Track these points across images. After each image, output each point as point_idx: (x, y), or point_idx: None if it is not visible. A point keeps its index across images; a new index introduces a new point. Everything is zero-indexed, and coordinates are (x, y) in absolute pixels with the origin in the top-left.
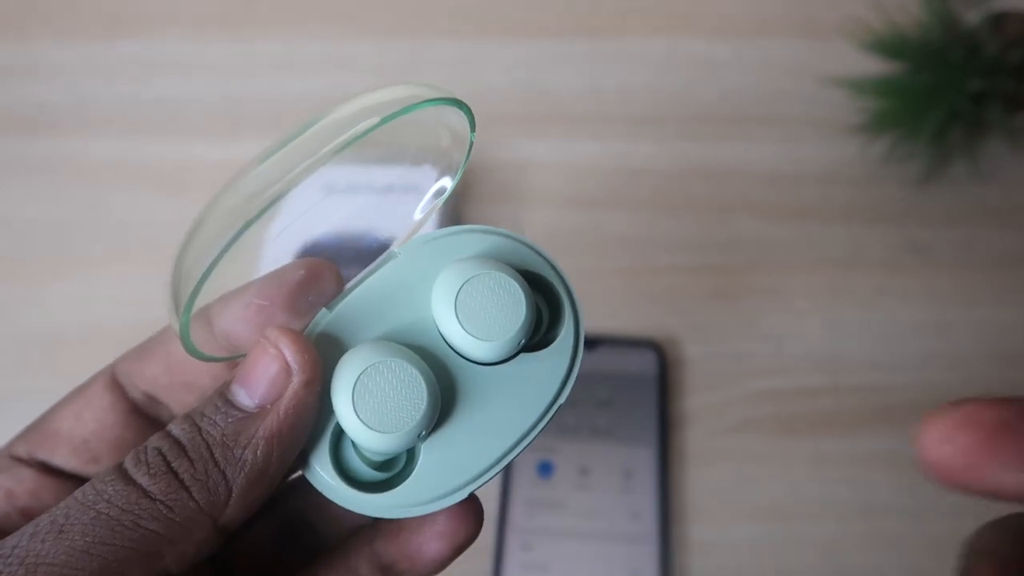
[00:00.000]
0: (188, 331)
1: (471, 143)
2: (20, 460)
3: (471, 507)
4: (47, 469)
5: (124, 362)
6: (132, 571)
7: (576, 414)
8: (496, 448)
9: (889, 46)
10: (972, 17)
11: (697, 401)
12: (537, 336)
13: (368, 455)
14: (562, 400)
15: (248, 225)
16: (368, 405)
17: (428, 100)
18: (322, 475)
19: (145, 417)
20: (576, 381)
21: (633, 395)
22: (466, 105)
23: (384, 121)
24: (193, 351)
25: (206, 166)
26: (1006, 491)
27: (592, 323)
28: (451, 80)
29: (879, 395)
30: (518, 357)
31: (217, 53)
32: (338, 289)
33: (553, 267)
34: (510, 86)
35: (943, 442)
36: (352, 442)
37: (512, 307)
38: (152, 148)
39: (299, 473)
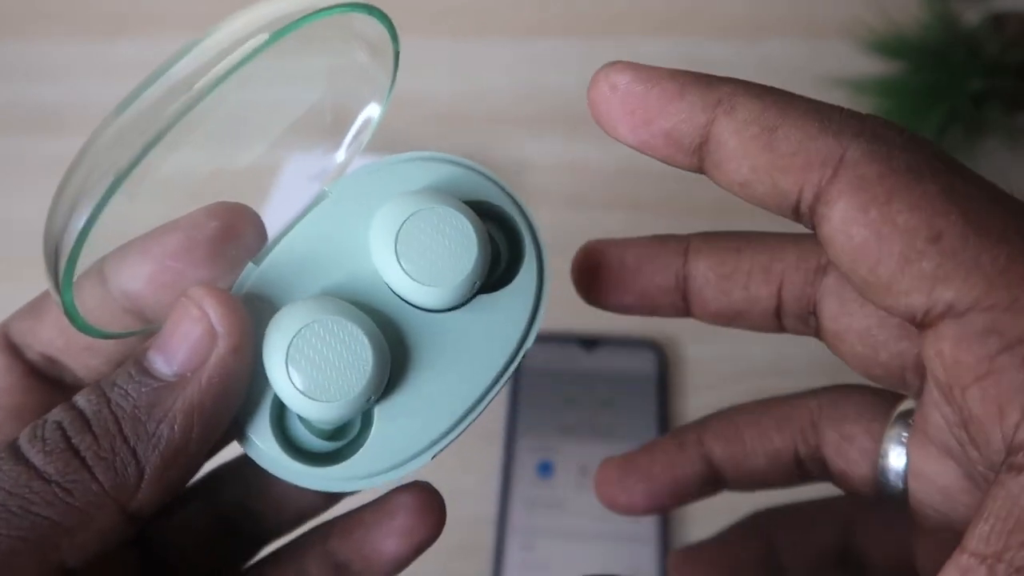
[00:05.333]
0: (74, 308)
1: (396, 55)
2: None
3: (431, 502)
4: None
5: (17, 320)
6: (21, 563)
7: (576, 414)
8: (458, 405)
9: (889, 46)
10: (972, 17)
11: (697, 401)
12: (496, 274)
13: (315, 424)
14: (528, 345)
15: (120, 180)
16: (305, 372)
17: (328, 8)
18: (262, 448)
19: (46, 380)
20: (542, 322)
21: (633, 395)
22: (377, 9)
23: (274, 38)
24: (86, 328)
25: None
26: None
27: (592, 323)
28: (451, 80)
29: None
30: (475, 300)
31: None
32: (262, 238)
33: (510, 195)
34: (510, 86)
35: (607, 85)
36: None
37: (462, 245)
38: None
39: (237, 455)
